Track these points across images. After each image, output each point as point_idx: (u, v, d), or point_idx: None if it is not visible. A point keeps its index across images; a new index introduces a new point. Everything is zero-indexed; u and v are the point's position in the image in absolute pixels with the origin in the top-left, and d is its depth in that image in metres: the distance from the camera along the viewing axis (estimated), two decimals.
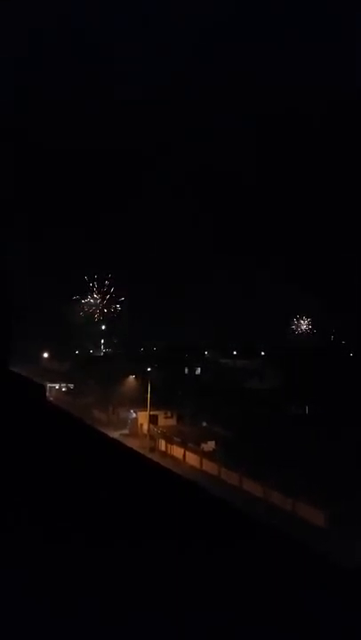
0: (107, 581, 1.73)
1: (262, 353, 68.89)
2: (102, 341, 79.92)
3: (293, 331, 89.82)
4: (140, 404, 45.75)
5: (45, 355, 66.11)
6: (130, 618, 1.62)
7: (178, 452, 38.10)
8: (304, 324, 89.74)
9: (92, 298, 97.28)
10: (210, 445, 39.01)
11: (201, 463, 35.24)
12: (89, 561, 1.83)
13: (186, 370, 63.08)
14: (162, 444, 40.20)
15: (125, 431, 44.55)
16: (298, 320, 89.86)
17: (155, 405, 44.88)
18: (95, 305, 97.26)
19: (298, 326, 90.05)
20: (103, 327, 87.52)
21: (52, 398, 45.50)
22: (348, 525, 22.93)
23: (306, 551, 1.98)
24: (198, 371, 63.88)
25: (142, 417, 45.20)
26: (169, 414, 47.22)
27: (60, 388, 57.58)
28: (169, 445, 39.52)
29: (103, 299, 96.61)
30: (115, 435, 36.53)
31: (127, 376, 53.22)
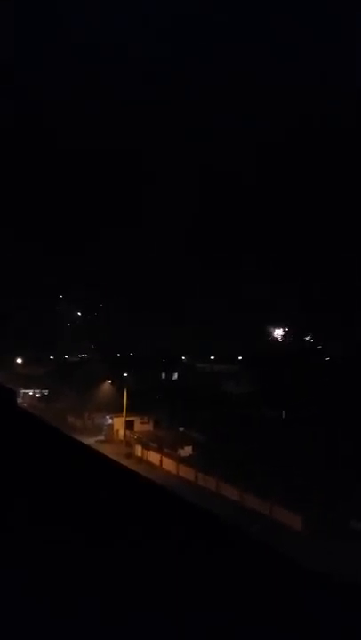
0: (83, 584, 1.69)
1: (239, 358, 69.07)
2: (78, 347, 78.94)
3: (270, 336, 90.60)
4: (116, 409, 45.20)
5: (19, 360, 64.83)
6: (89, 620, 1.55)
7: (154, 457, 37.67)
8: (281, 330, 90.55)
9: (69, 304, 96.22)
10: (187, 450, 38.75)
11: (177, 469, 34.87)
12: (52, 567, 1.77)
13: (163, 375, 62.74)
14: (138, 450, 39.70)
15: (101, 437, 43.88)
16: (275, 325, 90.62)
17: (131, 411, 44.41)
18: (71, 310, 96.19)
19: (275, 331, 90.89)
20: (79, 333, 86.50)
21: (25, 404, 44.51)
22: (324, 529, 22.98)
23: (278, 557, 1.94)
24: (175, 376, 63.60)
25: (118, 422, 44.64)
26: (145, 419, 46.77)
27: (34, 393, 56.43)
28: (145, 451, 39.06)
29: (80, 305, 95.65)
30: (90, 441, 35.91)
31: (103, 381, 52.59)
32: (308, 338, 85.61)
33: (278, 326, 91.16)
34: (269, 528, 22.10)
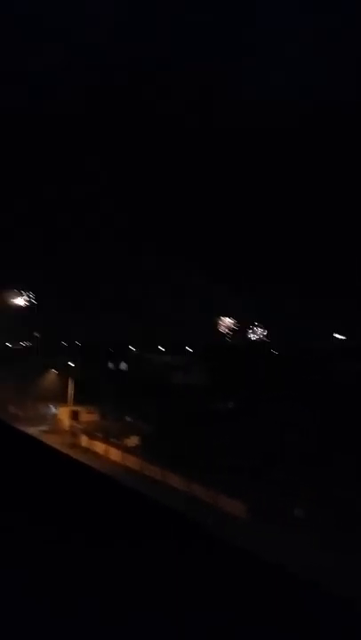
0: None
1: (188, 349, 69.29)
2: (22, 334, 76.38)
3: (220, 328, 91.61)
4: (61, 399, 44.04)
5: None
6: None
7: (100, 447, 37.02)
8: (230, 322, 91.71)
9: (12, 291, 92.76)
10: (133, 440, 38.42)
11: (123, 458, 34.43)
12: None
13: (110, 364, 61.88)
14: (83, 440, 38.86)
15: (44, 427, 42.60)
16: (224, 318, 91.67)
17: (77, 401, 43.40)
18: (15, 297, 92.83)
19: (224, 324, 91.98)
20: (22, 320, 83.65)
21: None
22: (268, 517, 23.33)
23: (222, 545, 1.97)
24: (123, 366, 62.89)
25: (63, 412, 43.52)
26: (92, 410, 45.90)
27: None
28: (91, 441, 38.30)
29: (23, 292, 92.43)
30: (32, 431, 34.66)
31: (48, 371, 51.06)
32: (257, 331, 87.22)
33: (228, 318, 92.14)
34: (215, 516, 22.18)
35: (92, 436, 38.87)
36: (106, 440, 37.65)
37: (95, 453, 36.08)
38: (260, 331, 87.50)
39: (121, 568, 1.77)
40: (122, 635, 1.54)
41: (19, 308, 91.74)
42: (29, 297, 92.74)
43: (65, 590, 1.66)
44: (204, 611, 1.59)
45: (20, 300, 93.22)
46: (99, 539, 1.99)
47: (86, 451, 36.37)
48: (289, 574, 1.77)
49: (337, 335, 65.79)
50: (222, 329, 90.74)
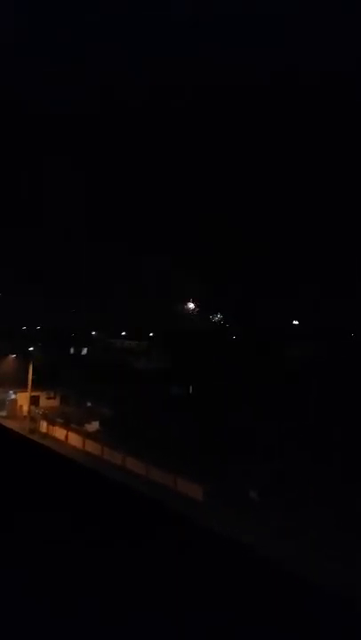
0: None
1: (150, 334, 69.45)
2: None
3: (181, 314, 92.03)
4: (20, 384, 43.44)
5: None
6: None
7: (60, 433, 36.93)
8: (191, 308, 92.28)
9: None
10: (94, 426, 38.49)
11: (84, 443, 34.53)
12: None
13: (72, 350, 61.31)
14: (43, 426, 38.64)
15: (3, 413, 42.09)
16: (185, 304, 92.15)
17: (37, 386, 42.92)
18: None
19: (185, 309, 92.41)
20: None
21: None
22: (224, 499, 24.13)
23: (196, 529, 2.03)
24: (85, 351, 62.46)
25: (22, 398, 42.96)
26: (52, 395, 45.58)
27: None
28: (51, 427, 38.13)
29: None
30: None
31: (6, 355, 50.12)
32: (217, 317, 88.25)
33: (189, 307, 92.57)
34: (173, 498, 22.72)
35: (51, 422, 38.68)
36: (66, 425, 37.52)
37: (55, 439, 35.96)
38: (219, 317, 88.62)
39: (120, 566, 1.77)
40: (122, 635, 1.54)
41: None
42: None
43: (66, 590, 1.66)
44: (202, 610, 1.60)
45: None
46: (99, 536, 1.99)
47: (45, 436, 36.24)
48: (285, 571, 1.81)
49: (295, 322, 67.56)
50: (185, 311, 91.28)
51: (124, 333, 70.54)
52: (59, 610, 1.60)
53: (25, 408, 41.73)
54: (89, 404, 43.31)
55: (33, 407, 41.50)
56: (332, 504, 22.51)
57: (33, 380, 41.51)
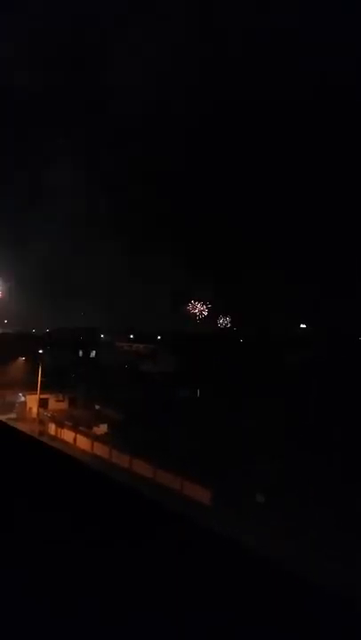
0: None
1: (158, 338, 69.66)
2: None
3: (189, 318, 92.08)
4: (29, 387, 43.88)
5: None
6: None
7: (68, 435, 37.19)
8: (198, 311, 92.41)
9: None
10: (102, 429, 38.68)
11: (92, 446, 34.77)
12: None
13: (80, 352, 61.71)
14: (52, 428, 38.97)
15: (12, 415, 42.46)
16: (193, 307, 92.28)
17: (46, 388, 43.35)
18: None
19: (194, 314, 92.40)
20: None
21: None
22: (231, 502, 24.22)
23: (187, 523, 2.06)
24: (93, 354, 62.84)
25: (32, 400, 43.41)
26: (61, 397, 45.94)
27: None
28: (59, 429, 38.43)
29: None
30: (0, 418, 34.41)
31: (16, 358, 50.64)
32: (226, 319, 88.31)
33: (197, 310, 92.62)
34: (180, 502, 22.86)
35: (60, 424, 38.98)
36: (74, 428, 37.78)
37: (63, 441, 36.23)
38: (227, 319, 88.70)
39: (119, 566, 1.78)
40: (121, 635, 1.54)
41: None
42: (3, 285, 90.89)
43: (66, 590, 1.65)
44: (202, 610, 1.61)
45: None
46: (101, 537, 1.99)
47: (54, 439, 36.54)
48: (286, 571, 1.82)
49: (302, 325, 67.51)
50: (192, 314, 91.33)
51: (131, 336, 70.84)
52: (59, 610, 1.58)
53: (34, 410, 42.16)
54: (97, 407, 43.60)
55: (42, 410, 41.91)
56: (333, 504, 22.63)
57: (42, 383, 41.97)
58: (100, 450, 34.07)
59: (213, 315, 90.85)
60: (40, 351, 52.40)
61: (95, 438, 35.98)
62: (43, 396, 42.99)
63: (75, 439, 36.49)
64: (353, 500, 22.78)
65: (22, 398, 44.37)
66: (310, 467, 27.63)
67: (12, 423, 35.82)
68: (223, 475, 27.00)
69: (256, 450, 30.46)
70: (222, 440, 32.59)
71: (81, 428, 37.93)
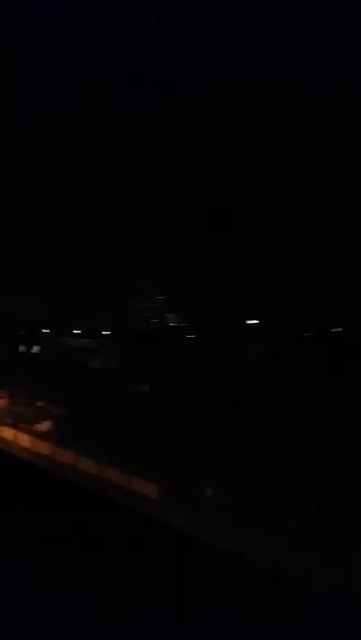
0: None
1: (106, 333, 68.27)
2: None
3: (138, 314, 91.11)
4: None
5: None
6: None
7: (8, 433, 35.42)
8: (148, 307, 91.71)
9: None
10: (45, 425, 37.26)
11: (33, 444, 33.25)
12: None
13: (21, 347, 59.42)
14: None
15: None
16: (141, 302, 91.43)
17: None
18: None
19: (143, 310, 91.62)
20: None
21: None
22: (179, 497, 23.72)
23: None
24: (36, 349, 60.65)
25: None
26: (0, 394, 43.78)
27: None
28: None
29: None
30: None
31: None
32: (174, 316, 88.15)
33: (146, 302, 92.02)
34: (127, 497, 22.22)
35: None
36: (15, 425, 36.17)
37: (3, 439, 34.59)
38: (175, 316, 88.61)
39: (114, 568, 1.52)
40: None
41: None
42: None
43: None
44: (139, 610, 1.41)
45: None
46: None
47: None
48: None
49: (251, 321, 68.33)
50: (142, 310, 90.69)
51: (78, 331, 69.03)
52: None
53: None
54: (40, 404, 41.91)
55: None
56: (280, 492, 22.64)
57: None
58: (42, 447, 32.66)
59: (164, 311, 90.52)
60: None
61: (37, 435, 34.54)
62: None
63: (15, 436, 34.86)
64: (299, 486, 22.93)
65: None
66: (259, 458, 27.60)
67: None
68: (173, 469, 26.48)
69: (209, 444, 30.20)
70: (173, 437, 32.07)
71: (21, 425, 36.36)
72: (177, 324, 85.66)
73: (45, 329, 67.87)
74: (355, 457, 26.81)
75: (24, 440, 34.17)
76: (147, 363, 51.57)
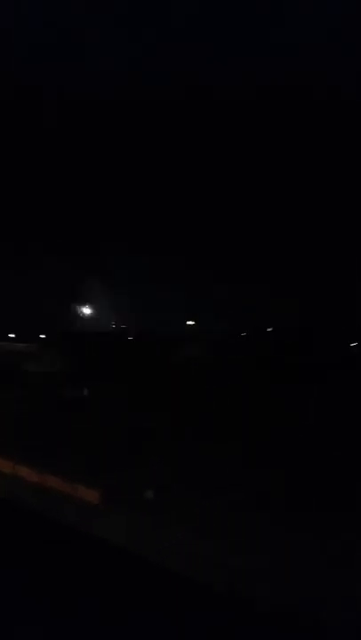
0: None
1: (42, 336, 66.68)
2: None
3: (75, 318, 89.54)
4: None
5: None
6: None
7: None
8: (86, 309, 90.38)
9: None
10: None
11: None
12: None
13: None
14: None
15: None
16: (79, 305, 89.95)
17: None
18: None
19: (79, 311, 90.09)
20: None
21: None
22: (119, 501, 23.72)
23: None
24: None
25: None
26: None
27: None
28: None
29: None
30: None
31: None
32: (113, 319, 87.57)
33: (84, 306, 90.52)
34: (67, 505, 21.92)
35: None
36: None
37: None
38: (114, 319, 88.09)
39: None
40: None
41: None
42: None
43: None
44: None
45: None
46: None
47: None
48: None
49: (189, 322, 69.30)
50: (78, 314, 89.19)
51: (12, 335, 66.88)
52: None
53: None
54: None
55: None
56: (216, 493, 23.23)
57: None
58: None
59: (100, 314, 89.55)
60: None
61: None
62: None
63: None
64: (242, 486, 23.64)
65: None
66: (199, 460, 28.20)
67: None
68: (114, 474, 26.39)
69: (149, 448, 30.33)
70: (112, 441, 31.95)
71: None
72: (116, 327, 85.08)
73: None
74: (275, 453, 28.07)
75: None
76: (86, 366, 50.92)
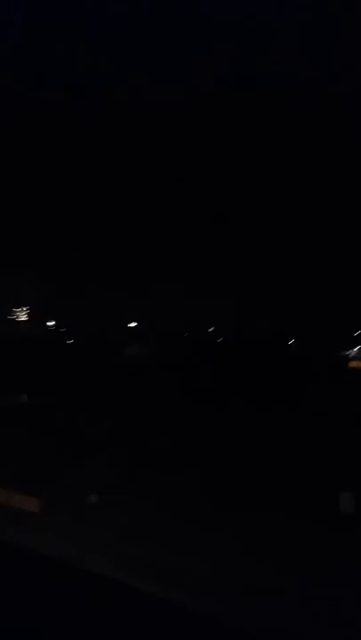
0: None
1: None
2: None
3: (12, 321, 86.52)
4: None
5: None
6: None
7: None
8: (20, 314, 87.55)
9: None
10: None
11: None
12: None
13: None
14: None
15: None
16: (18, 309, 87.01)
17: None
18: None
19: (15, 317, 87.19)
20: None
21: None
22: (62, 508, 22.76)
23: None
24: None
25: None
26: None
27: None
28: None
29: None
30: None
31: None
32: (52, 322, 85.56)
33: (21, 312, 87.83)
34: (5, 515, 20.72)
35: None
36: None
37: None
38: (53, 322, 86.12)
39: None
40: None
41: None
42: None
43: None
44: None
45: None
46: None
47: None
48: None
49: (131, 324, 68.87)
50: (14, 317, 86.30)
51: None
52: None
53: None
54: None
55: None
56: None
57: None
58: None
59: (37, 318, 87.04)
60: None
61: None
62: None
63: None
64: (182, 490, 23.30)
65: None
66: (140, 462, 27.65)
67: None
68: (54, 481, 25.36)
69: (90, 451, 29.47)
70: (53, 447, 30.80)
71: None
72: (55, 331, 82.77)
73: None
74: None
75: None
76: (22, 371, 49.45)
